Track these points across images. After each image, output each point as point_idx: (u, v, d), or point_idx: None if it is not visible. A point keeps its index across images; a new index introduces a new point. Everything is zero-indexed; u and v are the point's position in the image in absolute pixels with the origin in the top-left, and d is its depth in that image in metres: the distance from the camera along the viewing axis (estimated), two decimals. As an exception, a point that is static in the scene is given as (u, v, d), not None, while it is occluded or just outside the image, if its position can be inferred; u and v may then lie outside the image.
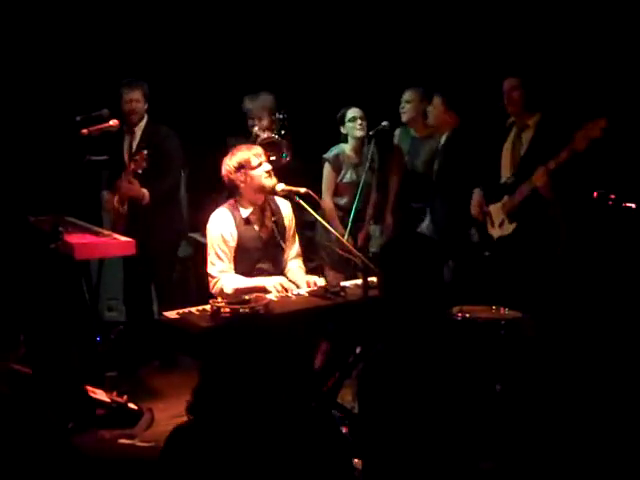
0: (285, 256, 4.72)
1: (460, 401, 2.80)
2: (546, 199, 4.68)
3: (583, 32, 5.36)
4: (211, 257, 4.55)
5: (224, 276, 4.50)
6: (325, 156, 5.79)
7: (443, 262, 3.00)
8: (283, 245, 4.67)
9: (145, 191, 5.50)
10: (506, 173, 4.97)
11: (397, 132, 5.95)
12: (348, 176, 5.76)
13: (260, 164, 4.50)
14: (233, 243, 4.53)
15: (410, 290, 2.85)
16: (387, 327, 2.96)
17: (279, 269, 4.66)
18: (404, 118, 5.83)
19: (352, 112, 5.68)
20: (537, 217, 4.78)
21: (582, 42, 5.37)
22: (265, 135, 5.66)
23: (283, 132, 5.74)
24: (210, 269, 4.55)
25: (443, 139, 5.57)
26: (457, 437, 2.78)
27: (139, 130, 5.69)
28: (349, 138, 5.75)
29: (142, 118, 5.69)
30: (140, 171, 5.32)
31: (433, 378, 2.79)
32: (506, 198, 4.90)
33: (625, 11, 5.22)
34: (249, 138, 5.68)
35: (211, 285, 4.55)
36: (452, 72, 5.90)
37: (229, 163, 4.54)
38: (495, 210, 4.98)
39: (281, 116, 5.72)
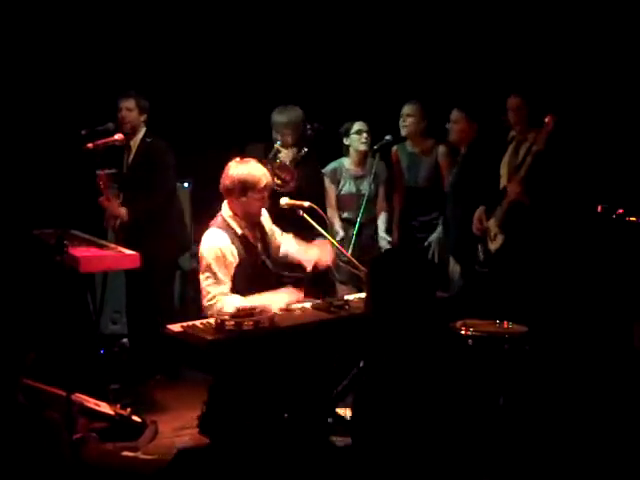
0: (277, 252, 4.60)
1: (452, 415, 2.78)
2: (526, 206, 4.77)
3: (585, 50, 5.40)
4: (209, 278, 4.24)
5: (222, 296, 4.22)
6: (323, 171, 5.87)
7: (432, 278, 2.98)
8: (269, 264, 4.50)
9: (123, 210, 5.48)
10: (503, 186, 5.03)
11: (393, 149, 5.89)
12: (346, 187, 5.83)
13: (263, 198, 4.32)
14: (233, 259, 4.29)
15: (397, 306, 2.84)
16: (373, 343, 2.96)
17: (270, 289, 4.40)
18: (405, 132, 5.79)
19: (358, 125, 5.74)
20: (520, 227, 4.83)
21: (583, 59, 5.41)
22: (283, 155, 5.54)
23: (306, 149, 5.64)
24: (207, 288, 4.24)
25: (463, 150, 5.54)
26: (453, 452, 2.77)
27: (134, 144, 5.66)
28: (351, 150, 5.81)
29: (137, 130, 5.65)
30: (108, 191, 5.30)
31: (422, 393, 2.77)
32: (497, 211, 4.97)
33: (620, 28, 5.28)
34: (269, 148, 5.65)
35: (207, 304, 4.24)
36: (462, 85, 5.90)
37: (238, 172, 4.31)
38: (492, 224, 5.03)
39: (309, 130, 5.61)
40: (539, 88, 5.03)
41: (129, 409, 4.60)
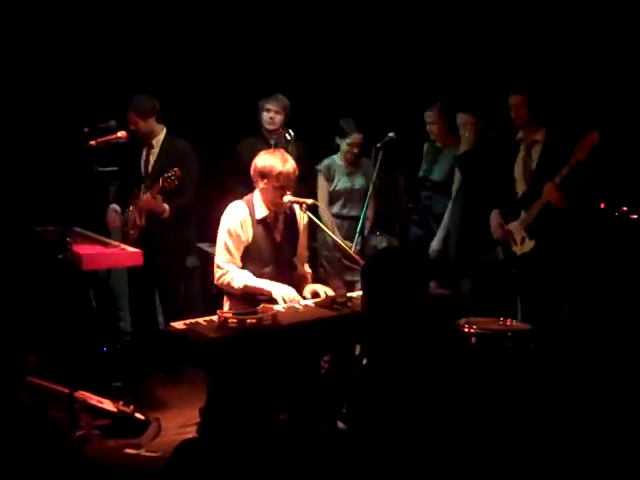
0: (295, 260, 4.67)
1: (450, 414, 2.78)
2: (561, 211, 4.73)
3: (586, 45, 5.38)
4: (221, 247, 4.46)
5: (234, 269, 4.43)
6: (317, 167, 5.97)
7: (428, 277, 2.98)
8: (292, 254, 4.63)
9: (166, 206, 5.48)
10: (521, 189, 5.01)
11: (425, 147, 5.89)
12: (340, 184, 5.92)
13: (282, 187, 4.40)
14: (245, 238, 4.46)
15: (393, 305, 2.84)
16: (370, 343, 2.96)
17: (284, 275, 4.55)
18: (434, 136, 5.79)
19: (352, 138, 5.82)
20: (553, 231, 4.80)
21: (585, 55, 5.38)
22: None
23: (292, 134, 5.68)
24: (218, 259, 4.47)
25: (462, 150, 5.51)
26: (452, 450, 2.76)
27: (157, 144, 5.65)
28: (340, 151, 5.91)
29: (154, 131, 5.62)
30: (168, 188, 5.24)
31: (417, 392, 2.77)
32: (523, 215, 4.93)
33: (625, 26, 5.26)
34: (258, 136, 5.76)
35: (217, 276, 4.46)
36: (465, 84, 5.89)
37: (258, 160, 4.46)
38: (515, 228, 5.00)
39: (289, 137, 5.63)
40: (540, 85, 5.00)
41: (132, 406, 4.60)
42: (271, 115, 5.87)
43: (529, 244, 4.93)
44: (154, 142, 5.65)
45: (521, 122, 4.93)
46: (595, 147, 4.53)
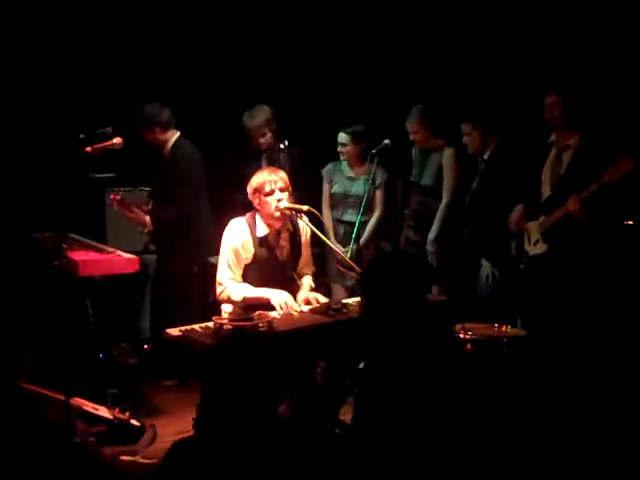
0: (297, 271, 4.71)
1: (450, 418, 2.78)
2: (578, 223, 4.69)
3: (626, 52, 5.33)
4: (222, 264, 4.53)
5: (232, 284, 4.49)
6: (322, 170, 5.99)
7: (427, 282, 2.99)
8: (294, 273, 4.67)
9: (147, 219, 5.54)
10: (546, 192, 4.97)
11: (413, 153, 5.86)
12: (336, 187, 5.95)
13: (272, 191, 4.46)
14: (245, 256, 4.52)
15: (392, 310, 2.84)
16: (369, 347, 2.97)
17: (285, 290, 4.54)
18: (420, 144, 5.80)
19: (339, 137, 5.83)
20: (568, 240, 4.77)
21: (625, 63, 5.33)
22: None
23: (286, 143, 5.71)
24: (219, 276, 4.53)
25: (486, 156, 5.44)
26: (451, 455, 2.77)
27: (167, 152, 5.71)
28: None
29: (161, 142, 5.68)
30: (127, 206, 5.53)
31: (420, 396, 2.77)
32: (542, 218, 4.92)
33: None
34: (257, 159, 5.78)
35: (218, 292, 4.54)
36: (469, 93, 5.85)
37: (253, 180, 4.54)
38: (532, 228, 4.99)
39: (282, 146, 5.65)
40: (578, 89, 4.92)
41: (128, 413, 4.60)
42: (257, 133, 5.83)
43: (541, 247, 4.92)
44: (164, 151, 5.70)
45: (554, 123, 4.88)
46: (629, 172, 4.47)
